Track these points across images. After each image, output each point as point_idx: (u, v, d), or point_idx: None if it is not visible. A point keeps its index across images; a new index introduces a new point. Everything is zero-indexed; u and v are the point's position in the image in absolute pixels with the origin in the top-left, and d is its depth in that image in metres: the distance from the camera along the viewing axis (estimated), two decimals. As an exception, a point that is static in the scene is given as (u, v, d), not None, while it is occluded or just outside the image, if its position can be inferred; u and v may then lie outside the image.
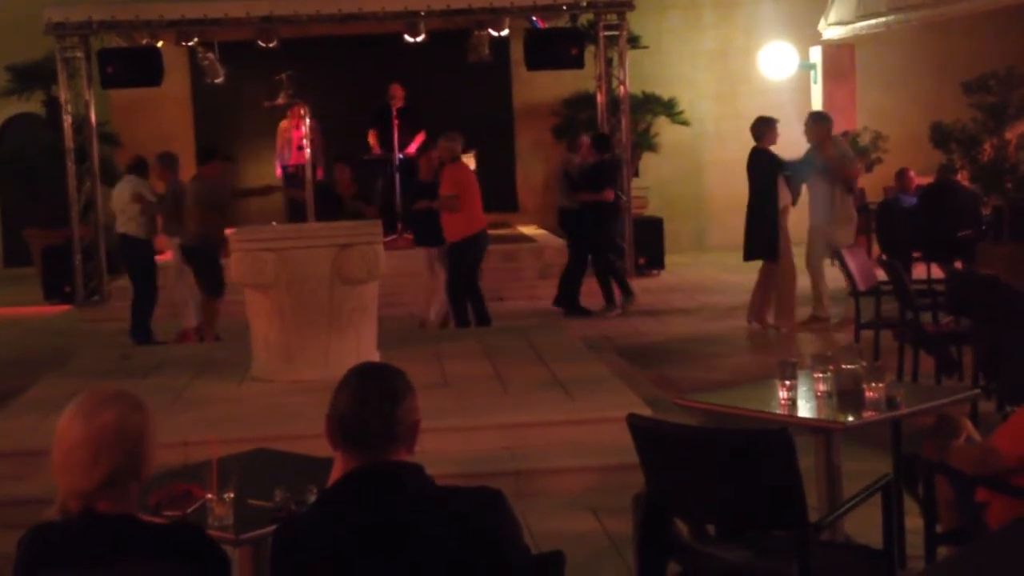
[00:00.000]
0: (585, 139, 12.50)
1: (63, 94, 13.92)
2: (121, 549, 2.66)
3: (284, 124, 14.79)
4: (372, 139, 14.48)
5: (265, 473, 4.00)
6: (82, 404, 2.75)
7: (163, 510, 3.45)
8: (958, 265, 11.63)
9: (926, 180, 13.07)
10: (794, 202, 10.75)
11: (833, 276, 10.92)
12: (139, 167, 11.12)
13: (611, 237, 12.22)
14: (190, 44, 14.51)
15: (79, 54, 13.98)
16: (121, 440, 2.70)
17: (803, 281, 10.76)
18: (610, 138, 12.99)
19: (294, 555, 2.74)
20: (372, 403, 2.79)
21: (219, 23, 13.87)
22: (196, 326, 10.80)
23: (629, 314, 11.64)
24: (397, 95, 14.32)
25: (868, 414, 4.35)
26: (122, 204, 10.79)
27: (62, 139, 13.92)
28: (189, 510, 3.51)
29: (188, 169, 16.22)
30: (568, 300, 11.86)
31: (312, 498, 3.35)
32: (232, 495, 3.48)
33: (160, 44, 14.28)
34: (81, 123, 14.04)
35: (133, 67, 13.87)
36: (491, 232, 11.19)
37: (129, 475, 2.72)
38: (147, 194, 10.82)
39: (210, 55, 15.00)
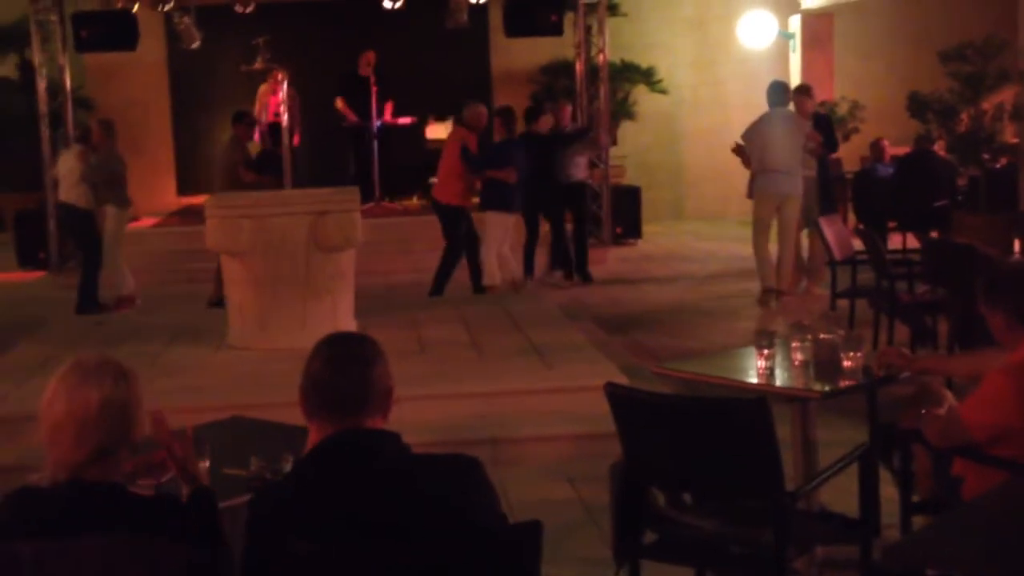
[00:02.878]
0: (567, 107, 12.45)
1: (37, 58, 13.77)
2: (105, 520, 2.67)
3: (264, 88, 14.70)
4: (342, 106, 14.39)
5: (240, 441, 3.99)
6: (65, 378, 2.75)
7: (138, 478, 3.42)
8: (934, 235, 11.68)
9: (903, 150, 13.10)
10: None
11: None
12: (86, 137, 11.11)
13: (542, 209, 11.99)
14: (166, 8, 14.35)
15: (53, 17, 13.82)
16: (106, 415, 2.71)
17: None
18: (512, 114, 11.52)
19: (270, 524, 2.72)
20: (345, 368, 2.80)
21: (195, -13, 13.74)
22: (129, 294, 10.76)
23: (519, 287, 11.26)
24: (372, 62, 14.24)
25: (845, 383, 4.36)
26: (64, 171, 10.74)
27: (36, 103, 13.78)
28: (164, 479, 3.48)
29: (161, 133, 16.12)
30: (579, 267, 11.86)
31: (288, 466, 3.33)
32: (207, 463, 3.46)
33: (135, 8, 14.11)
34: (55, 88, 13.90)
35: (108, 31, 13.69)
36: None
37: (118, 445, 2.75)
38: (91, 160, 10.71)
39: (186, 19, 14.85)
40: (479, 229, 10.81)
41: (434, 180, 11.18)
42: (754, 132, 10.43)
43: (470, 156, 10.57)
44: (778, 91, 10.57)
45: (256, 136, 14.74)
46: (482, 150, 10.88)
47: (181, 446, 3.09)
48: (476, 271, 10.78)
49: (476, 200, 10.99)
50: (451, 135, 11.09)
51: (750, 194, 10.76)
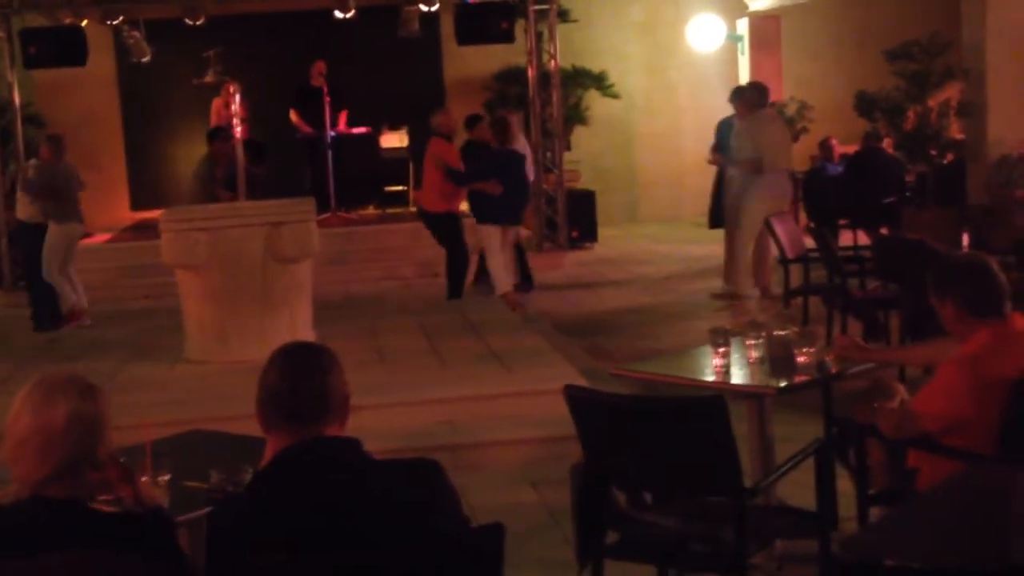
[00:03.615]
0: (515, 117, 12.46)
1: (-16, 75, 13.66)
2: (67, 536, 2.65)
3: (218, 102, 14.62)
4: (296, 118, 14.35)
5: (201, 454, 3.98)
6: (31, 394, 2.73)
7: (97, 493, 3.41)
8: (884, 231, 11.81)
9: (851, 148, 13.24)
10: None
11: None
12: (38, 153, 11.08)
13: None
14: (115, 23, 14.27)
15: (0, 34, 13.70)
16: (72, 430, 2.70)
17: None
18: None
19: (231, 536, 2.72)
20: (303, 376, 2.81)
21: (144, 0, 13.65)
22: (78, 309, 10.66)
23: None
24: (324, 71, 14.23)
25: (800, 379, 4.41)
26: (19, 189, 10.70)
27: (-16, 122, 13.67)
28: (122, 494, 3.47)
29: (114, 148, 15.97)
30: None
31: (248, 478, 3.33)
32: (167, 477, 3.46)
33: (84, 23, 14.02)
34: (4, 105, 13.79)
35: (56, 47, 13.57)
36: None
37: (83, 462, 2.73)
38: (30, 175, 10.60)
39: (135, 33, 14.76)
40: (472, 239, 10.77)
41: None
42: (757, 132, 10.34)
43: (453, 172, 10.54)
44: (762, 93, 10.62)
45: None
46: (467, 163, 10.85)
47: (123, 471, 3.00)
48: (455, 279, 10.73)
49: (464, 205, 10.97)
50: (430, 147, 11.01)
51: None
